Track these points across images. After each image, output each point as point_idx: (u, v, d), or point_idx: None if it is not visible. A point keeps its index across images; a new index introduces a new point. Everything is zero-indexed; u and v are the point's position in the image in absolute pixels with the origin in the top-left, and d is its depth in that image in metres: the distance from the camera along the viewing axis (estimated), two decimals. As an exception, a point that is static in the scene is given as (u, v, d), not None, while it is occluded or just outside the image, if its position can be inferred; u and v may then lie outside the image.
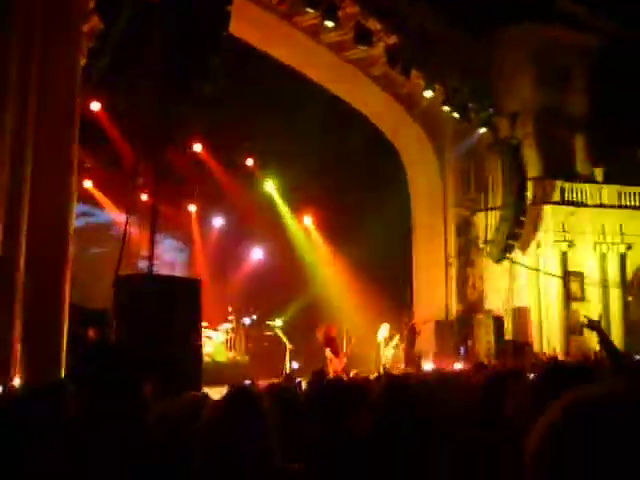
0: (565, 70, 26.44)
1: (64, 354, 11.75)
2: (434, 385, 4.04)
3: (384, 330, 18.66)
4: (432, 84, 21.58)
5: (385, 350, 18.23)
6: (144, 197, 17.00)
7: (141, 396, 7.30)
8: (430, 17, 21.68)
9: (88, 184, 21.09)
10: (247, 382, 10.97)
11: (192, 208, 24.54)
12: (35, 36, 11.51)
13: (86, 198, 20.76)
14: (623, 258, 25.94)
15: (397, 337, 18.56)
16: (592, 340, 24.76)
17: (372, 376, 11.52)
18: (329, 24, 18.40)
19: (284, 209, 25.74)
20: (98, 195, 21.77)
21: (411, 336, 18.72)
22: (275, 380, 12.04)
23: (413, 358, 17.88)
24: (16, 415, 4.09)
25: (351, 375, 14.34)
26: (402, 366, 15.60)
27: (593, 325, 7.63)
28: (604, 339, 6.99)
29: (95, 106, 18.80)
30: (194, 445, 3.19)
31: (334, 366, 16.75)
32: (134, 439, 4.04)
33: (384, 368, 17.46)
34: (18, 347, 11.08)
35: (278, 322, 21.09)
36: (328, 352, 17.06)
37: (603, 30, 25.22)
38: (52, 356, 11.53)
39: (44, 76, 11.70)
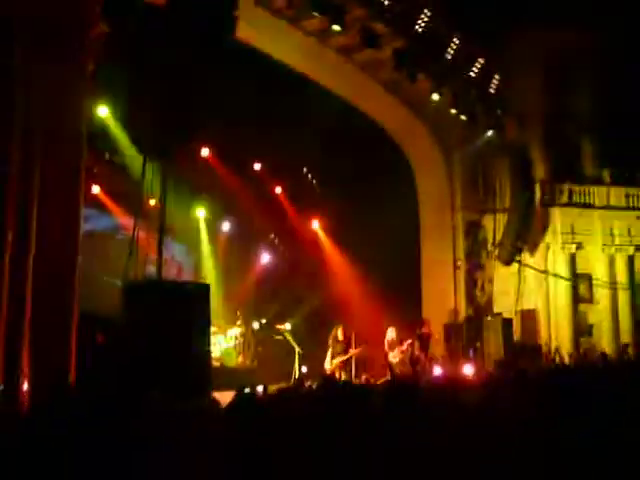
0: (572, 72, 26.41)
1: (73, 360, 11.76)
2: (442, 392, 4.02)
3: (391, 333, 18.62)
4: (439, 87, 21.55)
5: (392, 354, 18.18)
6: (152, 202, 17.03)
7: (150, 401, 7.30)
8: (437, 20, 21.64)
9: (96, 189, 21.12)
10: (260, 387, 10.95)
11: (200, 213, 24.54)
12: (41, 42, 11.53)
13: (94, 203, 20.78)
14: (631, 260, 25.89)
15: (408, 342, 18.48)
16: (602, 342, 24.80)
17: (380, 381, 11.53)
18: (336, 28, 18.38)
19: (293, 212, 25.75)
20: (106, 200, 21.78)
21: (425, 342, 18.65)
22: (284, 384, 12.06)
23: (424, 363, 17.83)
24: (27, 421, 4.10)
25: (363, 379, 14.33)
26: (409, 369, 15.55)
27: None
28: None
29: (103, 111, 18.85)
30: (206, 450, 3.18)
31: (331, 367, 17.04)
32: (143, 443, 4.05)
33: (392, 373, 17.43)
34: (26, 352, 11.08)
35: (287, 326, 21.08)
36: (332, 352, 17.28)
37: (611, 31, 25.13)
38: (61, 361, 11.54)
39: (52, 79, 11.71)
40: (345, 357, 17.44)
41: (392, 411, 4.03)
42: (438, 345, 22.48)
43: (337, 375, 16.92)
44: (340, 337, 17.64)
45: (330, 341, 17.70)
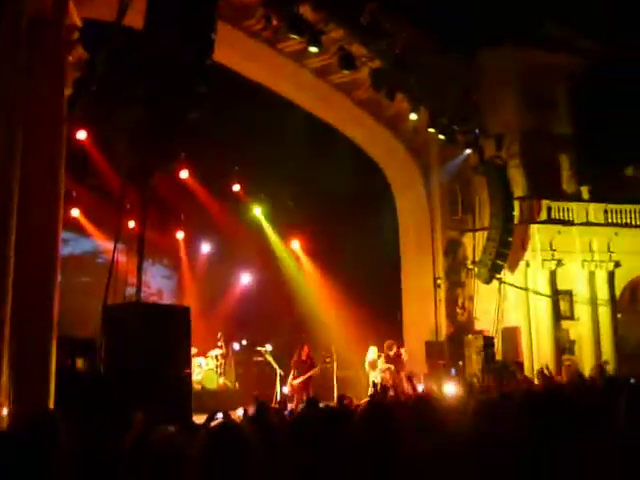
0: (550, 91, 26.65)
1: (53, 384, 11.67)
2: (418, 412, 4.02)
3: (372, 353, 18.61)
4: (417, 107, 21.67)
5: (373, 373, 18.16)
6: (131, 224, 16.98)
7: (131, 426, 7.26)
8: (414, 40, 21.81)
9: (75, 212, 21.06)
10: (240, 410, 10.89)
11: (180, 235, 24.51)
12: (20, 66, 11.52)
13: (73, 226, 20.72)
14: (612, 275, 26.03)
15: (382, 360, 18.46)
16: (583, 359, 24.89)
17: (360, 402, 11.46)
18: (313, 49, 18.46)
19: (272, 234, 25.78)
20: (85, 223, 21.72)
21: (396, 363, 18.56)
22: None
23: (400, 382, 17.75)
24: (7, 446, 4.06)
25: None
26: (391, 391, 15.46)
27: None
28: None
29: (81, 135, 18.83)
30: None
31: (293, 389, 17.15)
32: (125, 468, 4.03)
33: (374, 393, 17.37)
34: (5, 377, 10.99)
35: (268, 347, 21.05)
36: (293, 373, 17.39)
37: (587, 51, 25.43)
38: (40, 386, 11.45)
39: (30, 106, 11.70)
40: (304, 377, 17.43)
41: (367, 433, 4.03)
42: (419, 363, 22.50)
43: (296, 396, 16.96)
44: (303, 357, 17.69)
45: (292, 362, 17.78)
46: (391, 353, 18.67)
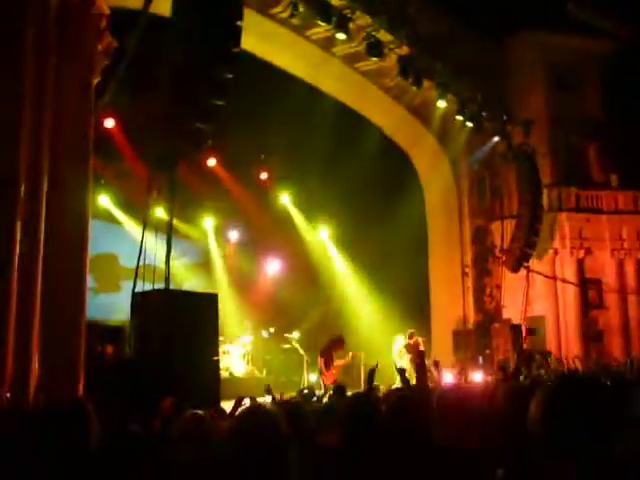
0: (578, 76, 26.41)
1: (82, 370, 11.79)
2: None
3: (399, 342, 18.60)
4: (445, 94, 21.55)
5: (400, 362, 18.14)
6: (160, 212, 17.05)
7: (160, 411, 7.30)
8: (441, 27, 21.69)
9: (105, 200, 21.19)
10: (268, 397, 10.91)
11: (208, 223, 24.59)
12: (50, 54, 11.61)
13: (102, 214, 20.86)
14: (641, 264, 25.80)
15: (404, 350, 18.43)
16: (613, 348, 24.70)
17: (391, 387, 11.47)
18: (341, 36, 18.43)
19: (300, 222, 25.80)
20: (114, 211, 21.83)
21: (415, 351, 18.49)
22: (293, 394, 12.01)
23: (423, 372, 17.69)
24: (39, 433, 4.09)
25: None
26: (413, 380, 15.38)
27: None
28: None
29: (109, 123, 18.94)
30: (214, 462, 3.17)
31: (324, 378, 16.91)
32: (154, 454, 4.05)
33: (402, 380, 17.31)
34: (36, 363, 11.12)
35: (295, 335, 21.08)
36: (320, 363, 17.23)
37: (615, 36, 25.13)
38: (70, 372, 11.57)
39: (59, 93, 11.79)
40: (335, 366, 17.35)
41: (393, 420, 4.03)
42: (447, 352, 22.47)
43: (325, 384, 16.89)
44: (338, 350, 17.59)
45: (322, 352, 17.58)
46: (411, 342, 18.67)
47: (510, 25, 24.28)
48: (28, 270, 10.97)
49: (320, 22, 18.18)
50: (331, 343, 17.43)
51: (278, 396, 10.57)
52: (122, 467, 4.01)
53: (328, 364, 16.99)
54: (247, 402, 7.86)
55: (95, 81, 13.15)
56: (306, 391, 11.88)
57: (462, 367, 20.94)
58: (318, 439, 4.44)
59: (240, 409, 6.13)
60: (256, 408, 3.43)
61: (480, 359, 22.70)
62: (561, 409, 2.59)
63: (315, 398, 11.06)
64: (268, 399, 10.32)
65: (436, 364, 13.16)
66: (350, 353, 18.20)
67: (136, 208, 19.32)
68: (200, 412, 4.58)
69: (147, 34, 13.20)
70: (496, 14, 22.80)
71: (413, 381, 15.32)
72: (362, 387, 17.30)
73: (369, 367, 16.58)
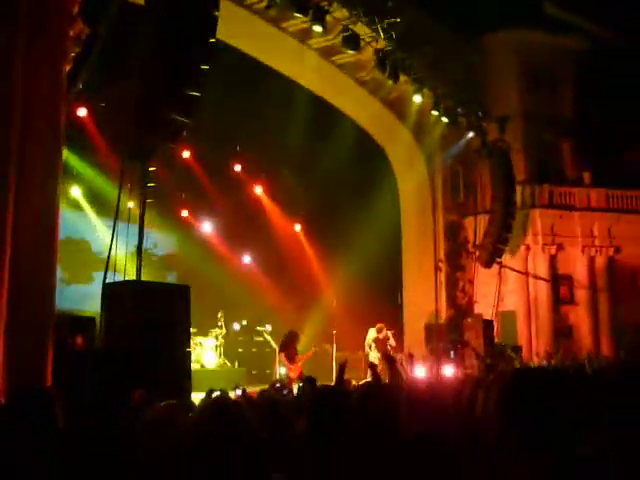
0: (553, 74, 26.58)
1: (50, 361, 11.64)
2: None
3: (372, 334, 18.61)
4: (421, 89, 21.56)
5: (372, 354, 18.18)
6: (131, 204, 16.90)
7: (130, 402, 7.23)
8: (419, 22, 21.68)
9: (76, 192, 20.97)
10: (239, 389, 10.90)
11: (182, 214, 24.44)
12: (19, 40, 11.42)
13: (73, 205, 20.65)
14: (612, 261, 26.01)
15: (373, 344, 18.47)
16: (583, 343, 24.90)
17: (361, 382, 11.45)
18: (317, 29, 18.34)
19: (273, 215, 25.72)
20: (85, 202, 21.62)
21: (384, 347, 18.49)
22: (264, 387, 12.00)
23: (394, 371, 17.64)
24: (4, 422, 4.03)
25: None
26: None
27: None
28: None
29: (82, 112, 18.72)
30: (180, 451, 3.12)
31: (290, 372, 16.88)
32: (123, 445, 3.99)
33: (373, 374, 17.30)
34: (2, 354, 10.95)
35: (268, 328, 21.03)
36: (282, 357, 17.17)
37: (590, 35, 25.31)
38: (38, 363, 11.42)
39: (29, 81, 11.60)
40: (303, 358, 17.30)
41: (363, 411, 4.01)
42: (419, 346, 22.51)
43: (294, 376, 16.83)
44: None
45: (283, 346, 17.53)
46: (380, 336, 18.67)
47: (487, 22, 24.36)
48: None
49: (297, 14, 18.11)
50: (287, 338, 17.37)
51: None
52: (89, 455, 3.93)
53: (292, 358, 16.94)
54: (217, 394, 7.81)
55: (67, 68, 12.96)
56: (278, 384, 11.89)
57: (434, 360, 21.02)
58: (295, 427, 4.44)
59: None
60: (218, 399, 3.40)
61: (452, 353, 22.77)
62: (514, 401, 2.65)
63: (286, 391, 11.06)
64: (238, 392, 10.30)
65: (410, 357, 13.23)
66: (313, 346, 18.22)
67: (108, 199, 19.13)
68: (172, 402, 4.53)
69: (121, 21, 13.03)
70: (474, 11, 22.86)
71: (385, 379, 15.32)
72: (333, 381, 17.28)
73: (340, 361, 16.53)
